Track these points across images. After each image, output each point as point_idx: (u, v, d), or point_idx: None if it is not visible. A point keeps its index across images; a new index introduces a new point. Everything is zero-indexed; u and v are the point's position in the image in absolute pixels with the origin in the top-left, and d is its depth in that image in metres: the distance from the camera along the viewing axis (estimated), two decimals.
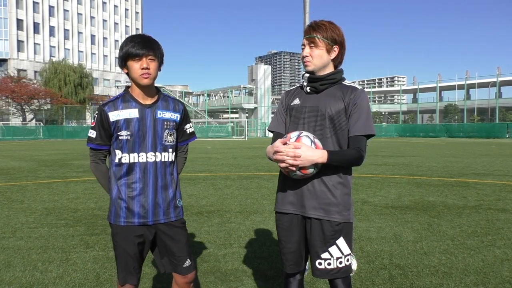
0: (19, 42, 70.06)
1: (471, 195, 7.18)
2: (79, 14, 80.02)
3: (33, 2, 72.13)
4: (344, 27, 2.15)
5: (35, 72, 68.22)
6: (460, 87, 74.07)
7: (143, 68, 1.99)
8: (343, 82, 2.12)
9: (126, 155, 2.05)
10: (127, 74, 2.07)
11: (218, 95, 77.24)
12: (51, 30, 75.31)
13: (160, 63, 2.09)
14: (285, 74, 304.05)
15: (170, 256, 2.17)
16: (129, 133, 2.04)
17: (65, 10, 77.57)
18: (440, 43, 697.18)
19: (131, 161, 2.05)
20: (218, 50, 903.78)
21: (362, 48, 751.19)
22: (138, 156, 2.05)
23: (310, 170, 1.93)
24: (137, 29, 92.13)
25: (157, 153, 2.08)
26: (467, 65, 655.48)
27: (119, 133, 2.04)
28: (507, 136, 41.35)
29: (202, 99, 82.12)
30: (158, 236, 2.15)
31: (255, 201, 6.76)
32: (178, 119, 2.18)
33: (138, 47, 1.98)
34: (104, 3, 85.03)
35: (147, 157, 2.06)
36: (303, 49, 2.11)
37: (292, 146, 1.90)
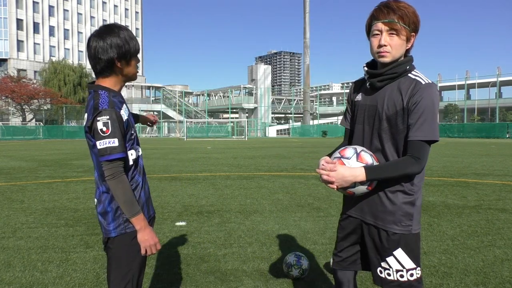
0: (19, 42, 70.08)
1: (471, 195, 7.18)
2: (79, 13, 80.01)
3: (33, 1, 72.13)
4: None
5: (35, 72, 68.22)
6: (460, 87, 74.13)
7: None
8: (409, 74, 1.81)
9: (137, 150, 1.96)
10: (118, 70, 1.87)
11: (218, 95, 77.24)
12: (51, 30, 75.32)
13: None
14: (285, 74, 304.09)
15: None
16: (134, 129, 1.95)
17: (65, 10, 77.58)
18: (440, 43, 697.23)
19: (138, 155, 1.97)
20: (218, 50, 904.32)
21: (362, 48, 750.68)
22: (139, 150, 1.99)
23: (356, 190, 1.81)
24: (137, 29, 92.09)
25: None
26: (467, 65, 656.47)
27: (131, 132, 1.90)
28: (507, 136, 41.31)
29: (202, 99, 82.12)
30: None
31: (255, 201, 6.75)
32: None
33: (138, 43, 1.92)
34: (104, 2, 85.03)
35: (140, 149, 2.02)
36: (377, 35, 1.77)
37: (328, 168, 1.77)
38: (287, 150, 21.14)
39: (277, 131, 66.27)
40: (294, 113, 75.85)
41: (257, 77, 69.07)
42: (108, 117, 1.76)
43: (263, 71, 70.36)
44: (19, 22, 69.97)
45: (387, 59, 1.77)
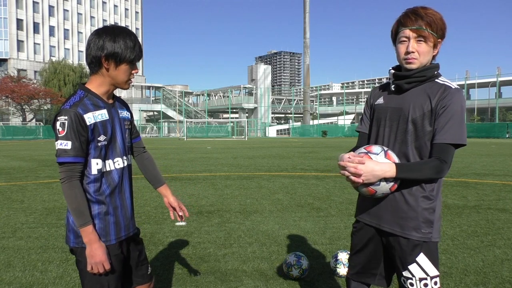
0: (19, 42, 70.10)
1: (471, 195, 7.18)
2: (79, 13, 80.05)
3: (33, 1, 72.15)
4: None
5: (35, 72, 68.25)
6: (460, 87, 74.01)
7: (131, 74, 1.83)
8: (436, 80, 1.81)
9: (108, 162, 1.82)
10: (105, 70, 1.76)
11: (218, 95, 77.23)
12: (51, 30, 75.34)
13: None
14: (285, 74, 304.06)
15: (137, 267, 2.01)
16: (105, 137, 1.79)
17: (65, 10, 77.61)
18: None
19: (110, 168, 1.83)
20: (218, 50, 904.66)
21: (362, 48, 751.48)
22: (114, 163, 1.84)
23: (379, 188, 1.72)
24: (137, 28, 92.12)
25: (126, 156, 1.91)
26: (467, 65, 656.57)
27: (99, 138, 1.76)
28: (507, 136, 41.32)
29: (202, 99, 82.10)
30: (130, 248, 1.98)
31: (255, 201, 6.75)
32: (130, 116, 2.00)
33: (138, 53, 1.79)
34: (104, 2, 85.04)
35: (123, 162, 1.88)
36: (404, 42, 1.78)
37: (356, 161, 1.71)
38: (287, 150, 21.14)
39: (277, 131, 66.27)
40: (294, 113, 75.86)
41: (257, 77, 69.07)
42: (66, 117, 1.67)
43: (263, 71, 70.37)
44: (19, 22, 69.98)
45: (414, 66, 1.78)
